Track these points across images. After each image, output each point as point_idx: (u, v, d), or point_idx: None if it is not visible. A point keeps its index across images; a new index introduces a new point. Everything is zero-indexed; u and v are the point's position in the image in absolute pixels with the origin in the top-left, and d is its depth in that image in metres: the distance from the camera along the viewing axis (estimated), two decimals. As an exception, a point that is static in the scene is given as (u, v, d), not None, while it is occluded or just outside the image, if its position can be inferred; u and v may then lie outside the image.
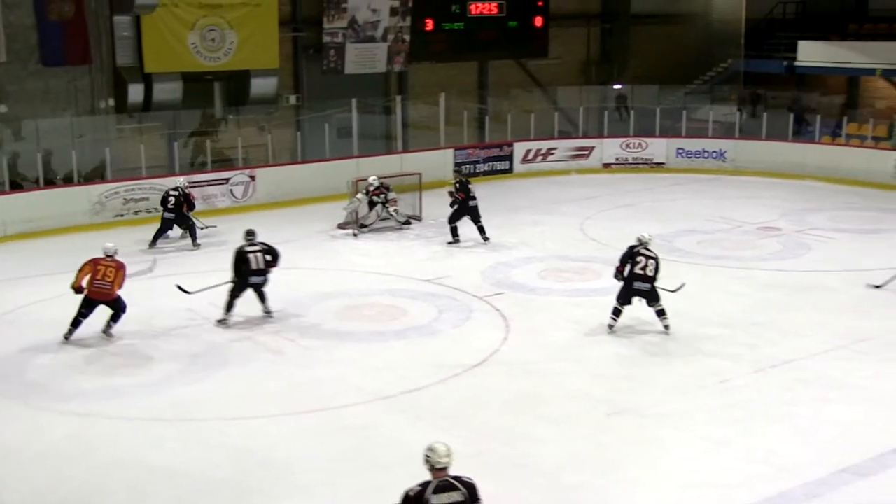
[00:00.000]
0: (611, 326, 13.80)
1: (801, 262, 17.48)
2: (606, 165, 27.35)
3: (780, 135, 26.78)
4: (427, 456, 6.92)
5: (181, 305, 15.00)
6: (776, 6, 31.39)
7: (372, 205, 20.18)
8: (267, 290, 14.46)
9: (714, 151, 27.00)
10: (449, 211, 19.19)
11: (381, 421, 10.82)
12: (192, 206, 19.44)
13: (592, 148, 27.43)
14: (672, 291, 13.91)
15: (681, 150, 27.24)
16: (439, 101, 26.15)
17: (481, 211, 19.21)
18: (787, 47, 28.91)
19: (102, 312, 13.61)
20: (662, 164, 27.28)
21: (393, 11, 26.13)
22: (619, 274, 13.71)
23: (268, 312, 14.50)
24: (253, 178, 22.68)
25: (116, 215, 21.02)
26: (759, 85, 29.38)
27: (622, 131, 27.86)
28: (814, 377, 12.04)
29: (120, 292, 13.59)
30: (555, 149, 27.25)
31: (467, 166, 25.63)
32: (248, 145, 24.28)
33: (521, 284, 16.23)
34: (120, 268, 13.58)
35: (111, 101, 22.97)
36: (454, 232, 19.06)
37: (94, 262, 13.54)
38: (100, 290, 13.41)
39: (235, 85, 24.51)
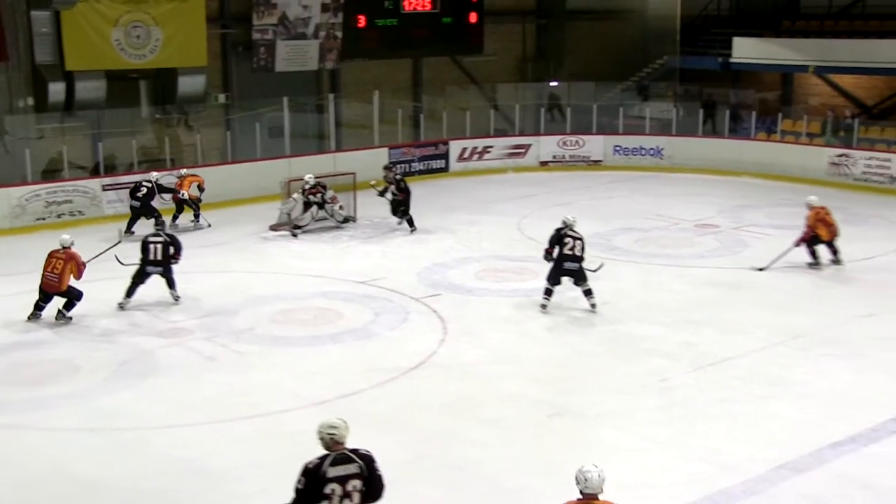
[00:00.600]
0: (543, 306, 14.72)
1: (738, 259, 17.78)
2: (543, 163, 27.56)
3: (717, 132, 27.22)
4: (322, 431, 7.04)
5: (108, 311, 14.83)
6: (710, 3, 31.93)
7: (307, 205, 20.06)
8: (176, 278, 15.24)
9: (651, 149, 27.35)
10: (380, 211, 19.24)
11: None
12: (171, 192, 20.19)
13: (529, 146, 27.62)
14: (593, 271, 14.80)
15: (618, 148, 27.54)
16: (373, 99, 26.12)
17: (417, 207, 19.39)
18: (723, 44, 29.39)
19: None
20: (600, 161, 27.56)
21: (324, 8, 26.05)
22: (548, 255, 14.68)
23: (175, 298, 15.17)
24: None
25: (38, 219, 20.67)
26: (695, 82, 29.82)
27: (559, 129, 28.08)
28: (752, 374, 12.26)
29: (75, 282, 14.23)
30: (491, 147, 27.39)
31: (402, 165, 25.58)
32: (176, 145, 24.03)
33: (458, 285, 16.29)
34: (70, 259, 14.17)
35: (30, 101, 22.57)
36: (411, 222, 20.16)
37: (49, 255, 14.35)
38: (49, 281, 14.15)
39: (162, 83, 24.25)
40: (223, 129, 25.06)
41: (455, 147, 26.96)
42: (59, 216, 20.87)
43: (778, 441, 10.34)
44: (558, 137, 27.60)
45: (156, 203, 20.03)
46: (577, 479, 6.75)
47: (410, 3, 27.72)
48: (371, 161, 24.40)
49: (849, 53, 26.66)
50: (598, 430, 10.73)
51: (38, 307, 14.42)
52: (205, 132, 24.62)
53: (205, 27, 24.11)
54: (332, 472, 6.94)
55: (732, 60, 28.80)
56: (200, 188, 20.85)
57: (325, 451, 6.97)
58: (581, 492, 6.72)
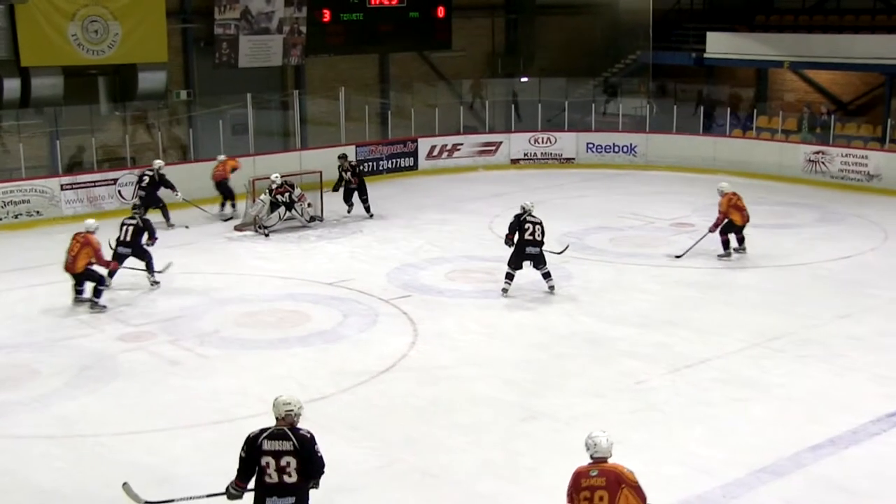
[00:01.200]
0: (505, 290, 15.59)
1: (714, 259, 17.87)
2: (514, 161, 27.62)
3: (691, 129, 27.39)
4: (277, 404, 7.62)
5: (67, 314, 14.74)
6: (684, -4, 32.14)
7: (274, 205, 19.99)
8: (152, 260, 16.11)
9: (625, 146, 27.47)
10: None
11: (286, 432, 10.74)
12: (171, 187, 20.54)
13: (500, 143, 27.68)
14: (558, 253, 15.90)
15: (591, 145, 27.65)
16: (339, 95, 26.09)
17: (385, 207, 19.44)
18: (696, 39, 29.56)
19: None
20: (572, 159, 27.65)
21: (288, 2, 26.00)
22: (509, 241, 15.62)
23: (152, 283, 16.06)
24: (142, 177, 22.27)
25: (-6, 219, 20.49)
26: (668, 77, 29.99)
27: (531, 126, 28.14)
28: (729, 376, 12.34)
29: (96, 267, 14.89)
30: (461, 145, 27.44)
31: (369, 163, 25.65)
32: (137, 143, 23.90)
33: (428, 286, 16.29)
34: (86, 244, 14.70)
35: (-16, 98, 22.39)
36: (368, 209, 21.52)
37: (73, 237, 15.01)
38: (65, 262, 14.82)
39: (121, 79, 24.09)
40: (185, 126, 24.94)
41: (424, 145, 26.98)
42: (16, 216, 20.69)
43: (756, 444, 10.41)
44: (529, 135, 27.67)
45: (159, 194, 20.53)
46: (586, 444, 7.28)
47: (377, -3, 27.72)
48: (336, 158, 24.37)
49: (824, 49, 26.88)
50: (572, 434, 10.68)
51: (77, 291, 15.07)
52: (166, 130, 24.48)
53: (165, 22, 23.96)
54: (267, 445, 7.48)
55: (706, 56, 28.97)
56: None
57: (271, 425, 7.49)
58: (591, 457, 7.24)
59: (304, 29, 26.47)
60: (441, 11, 28.97)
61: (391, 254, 18.39)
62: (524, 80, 30.46)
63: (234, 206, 21.55)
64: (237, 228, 20.26)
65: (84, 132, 23.07)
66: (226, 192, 21.62)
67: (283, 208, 20.03)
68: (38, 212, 20.89)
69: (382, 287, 16.22)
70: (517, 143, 27.67)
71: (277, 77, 27.30)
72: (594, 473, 7.11)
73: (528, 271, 15.66)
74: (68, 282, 16.21)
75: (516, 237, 15.46)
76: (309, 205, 20.47)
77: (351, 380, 12.25)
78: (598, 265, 17.49)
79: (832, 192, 23.95)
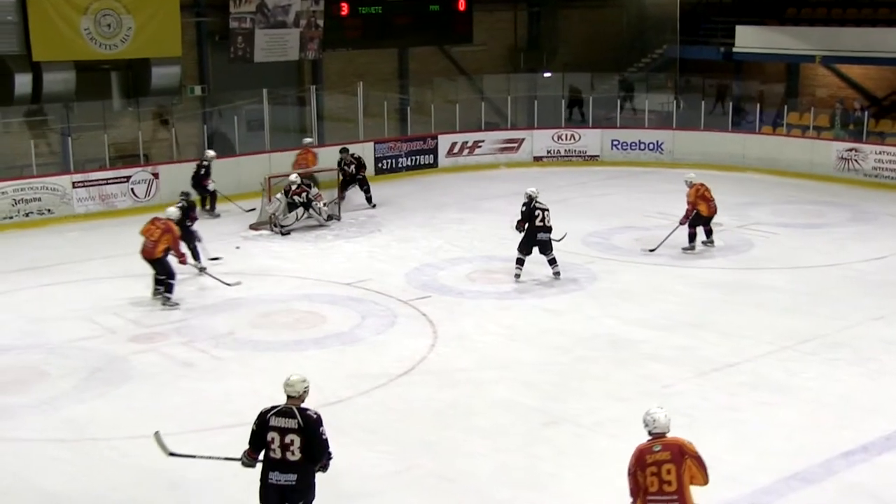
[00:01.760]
0: (517, 276, 16.28)
1: (742, 259, 17.80)
2: (537, 159, 27.56)
3: (720, 125, 27.28)
4: (284, 383, 8.09)
5: (78, 315, 14.79)
6: (711, -11, 32.04)
7: (292, 206, 20.01)
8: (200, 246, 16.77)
9: (651, 143, 27.37)
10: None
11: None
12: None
13: (522, 140, 27.63)
14: (558, 240, 16.34)
15: (616, 142, 27.57)
16: (357, 91, 26.09)
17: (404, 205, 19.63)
18: (724, 33, 29.44)
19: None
20: (597, 156, 27.57)
21: (305, -6, 26.05)
22: (521, 227, 16.32)
23: (199, 270, 16.47)
24: (156, 175, 22.39)
25: (5, 217, 20.57)
26: (696, 72, 29.86)
27: (555, 122, 28.07)
28: (758, 380, 12.27)
29: (170, 259, 15.20)
30: (482, 141, 27.40)
31: (388, 161, 25.67)
32: (150, 140, 23.97)
33: (448, 287, 16.27)
34: (168, 230, 15.04)
35: (-6, 93, 22.52)
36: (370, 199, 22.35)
37: (151, 221, 15.33)
38: (145, 247, 15.03)
39: (135, 75, 24.17)
40: (200, 122, 25.01)
41: (444, 141, 26.95)
42: (27, 214, 20.79)
43: (785, 450, 10.34)
44: (553, 131, 27.61)
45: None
46: (645, 422, 7.69)
47: (396, -10, 27.74)
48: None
49: (857, 42, 26.72)
50: (595, 440, 10.73)
51: (158, 280, 15.31)
52: (180, 126, 24.55)
53: (179, 15, 24.04)
54: (274, 421, 7.95)
55: (735, 50, 28.85)
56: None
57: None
58: (650, 433, 7.66)
59: (321, 22, 26.49)
60: (462, 4, 28.95)
61: (410, 253, 18.38)
62: (547, 75, 30.39)
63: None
64: (252, 227, 20.30)
65: (96, 128, 23.17)
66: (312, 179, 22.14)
67: (301, 209, 20.02)
68: (49, 210, 20.99)
69: (401, 288, 16.21)
70: (540, 139, 27.61)
71: (294, 72, 27.34)
72: (657, 448, 7.49)
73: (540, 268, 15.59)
74: (80, 281, 16.37)
75: (527, 225, 16.20)
76: (324, 204, 20.49)
77: (368, 383, 12.25)
78: (623, 265, 17.43)
79: (865, 190, 23.78)
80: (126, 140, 23.71)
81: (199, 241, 17.08)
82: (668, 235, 18.18)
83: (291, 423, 7.90)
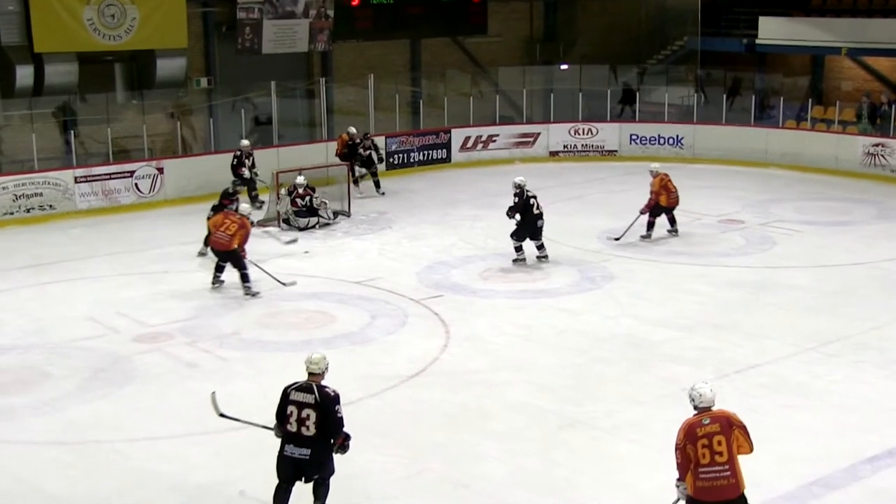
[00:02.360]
0: (523, 260, 17.23)
1: (765, 258, 17.77)
2: (553, 154, 27.55)
3: (742, 119, 27.22)
4: (305, 361, 8.77)
5: (80, 314, 14.84)
6: (735, -22, 31.93)
7: (298, 213, 19.98)
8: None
9: (670, 138, 27.33)
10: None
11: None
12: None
13: (538, 134, 27.61)
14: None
15: (634, 137, 27.53)
16: (367, 83, 26.11)
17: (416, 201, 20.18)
18: (747, 24, 29.36)
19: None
20: (614, 151, 27.55)
21: (315, -16, 26.07)
22: (513, 215, 17.18)
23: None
24: (161, 170, 22.46)
25: (5, 213, 20.64)
26: (717, 65, 29.80)
27: (572, 116, 27.99)
28: (780, 383, 12.25)
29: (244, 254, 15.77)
30: (496, 136, 27.39)
31: (400, 155, 25.68)
32: (155, 134, 24.02)
33: (461, 286, 16.28)
34: (243, 226, 15.70)
35: (-5, 86, 22.60)
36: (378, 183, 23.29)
37: (223, 214, 16.08)
38: (219, 240, 15.64)
39: (139, 66, 24.22)
40: (206, 116, 25.05)
41: (457, 136, 26.96)
42: (28, 210, 20.86)
43: (808, 455, 10.33)
44: (569, 125, 27.58)
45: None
46: (691, 397, 8.17)
47: (408, -21, 27.74)
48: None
49: (884, 34, 26.62)
50: (613, 443, 10.73)
51: (219, 269, 15.97)
52: (185, 120, 24.59)
53: (185, 6, 24.05)
54: (294, 395, 8.59)
55: (758, 42, 28.78)
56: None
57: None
58: (696, 407, 8.12)
59: (331, 13, 26.51)
60: (476, -6, 28.97)
61: (422, 251, 18.40)
62: (564, 67, 30.35)
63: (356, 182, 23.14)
64: (259, 224, 20.29)
65: (99, 122, 23.24)
66: (369, 162, 23.44)
67: (311, 218, 19.94)
68: (51, 205, 21.05)
69: (412, 286, 16.22)
70: (556, 134, 27.58)
71: (303, 64, 27.37)
72: (707, 421, 7.96)
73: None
74: (82, 279, 16.42)
75: (518, 215, 17.13)
76: (325, 204, 20.42)
77: (378, 384, 12.27)
78: (642, 264, 17.42)
79: (892, 187, 23.68)
80: (129, 133, 23.76)
81: None
82: (632, 224, 18.69)
83: (309, 399, 8.51)
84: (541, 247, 17.33)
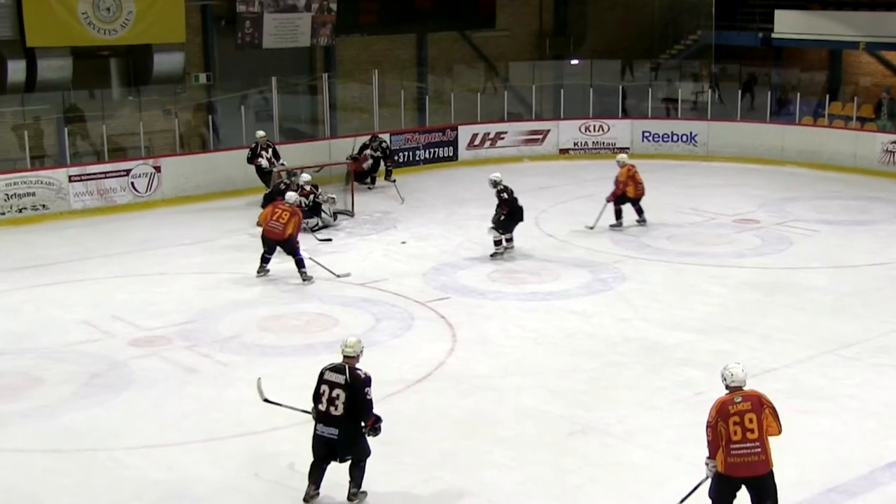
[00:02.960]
0: (502, 254, 17.68)
1: (782, 258, 17.75)
2: (563, 151, 27.54)
3: (758, 116, 27.19)
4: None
5: (75, 317, 14.84)
6: (749, -29, 31.90)
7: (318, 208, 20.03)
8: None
9: (684, 135, 27.30)
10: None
11: (310, 448, 10.76)
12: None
13: (547, 132, 27.60)
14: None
15: (647, 134, 27.52)
16: (372, 79, 26.12)
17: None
18: (763, 17, 29.33)
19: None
20: (626, 149, 27.47)
21: (317, -24, 26.07)
22: (506, 213, 17.75)
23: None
24: (158, 169, 22.47)
25: (-3, 213, 20.72)
26: (732, 59, 29.77)
27: (582, 112, 27.97)
28: (797, 387, 12.22)
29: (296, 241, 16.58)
30: (504, 133, 27.38)
31: (405, 153, 25.68)
32: (152, 131, 24.03)
33: (468, 288, 16.28)
34: (294, 214, 16.51)
35: (-13, 81, 22.60)
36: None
37: (273, 205, 16.95)
38: (272, 229, 16.46)
39: (135, 62, 24.21)
40: (204, 112, 25.07)
41: (464, 133, 26.95)
42: (20, 210, 20.87)
43: (826, 461, 10.32)
44: (580, 122, 27.57)
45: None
46: (723, 376, 8.68)
47: (414, -29, 27.74)
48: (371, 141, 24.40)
49: (904, 27, 26.62)
50: (626, 450, 10.71)
51: (265, 259, 16.72)
52: (183, 117, 24.61)
53: (183, -1, 24.11)
54: (328, 375, 9.25)
55: (774, 36, 28.77)
56: None
57: None
58: (727, 386, 8.61)
59: (334, 6, 26.48)
60: (484, -13, 28.97)
61: (428, 252, 18.39)
62: (574, 62, 30.34)
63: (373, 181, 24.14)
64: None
65: (94, 119, 23.25)
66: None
67: (314, 219, 19.91)
68: (44, 205, 21.05)
69: (418, 288, 16.22)
70: (566, 131, 27.57)
71: (305, 59, 27.38)
72: (738, 400, 8.47)
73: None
74: (77, 281, 16.43)
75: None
76: (332, 199, 20.39)
77: (383, 389, 12.17)
78: (655, 265, 17.41)
79: (912, 185, 23.73)
80: (126, 131, 23.77)
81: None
82: (601, 212, 19.45)
83: (340, 379, 9.13)
84: (511, 239, 17.87)
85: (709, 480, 8.58)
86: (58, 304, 15.53)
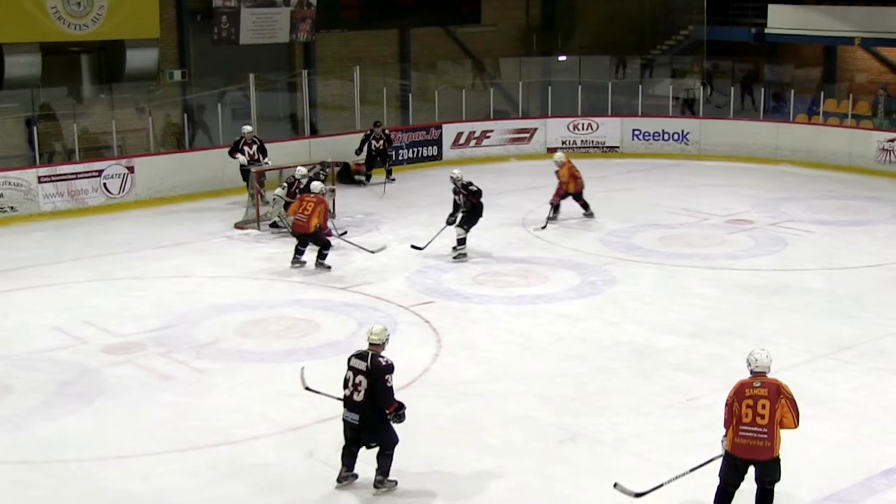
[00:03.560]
0: (464, 254, 17.86)
1: (776, 260, 17.81)
2: (551, 150, 27.46)
3: (751, 113, 27.26)
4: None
5: (45, 323, 14.78)
6: (742, -36, 32.01)
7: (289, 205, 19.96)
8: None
9: (675, 133, 27.37)
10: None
11: (293, 457, 10.76)
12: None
13: (534, 130, 27.65)
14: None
15: (637, 132, 27.57)
16: (353, 76, 26.11)
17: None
18: (756, 12, 29.41)
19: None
20: (616, 147, 27.59)
21: (296, -30, 26.07)
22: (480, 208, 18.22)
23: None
24: (131, 169, 22.40)
25: (-38, 215, 20.63)
26: (725, 55, 29.85)
27: (571, 110, 28.03)
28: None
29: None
30: (490, 131, 27.42)
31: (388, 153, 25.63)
32: (125, 130, 23.98)
33: (454, 291, 16.28)
34: (320, 203, 17.12)
35: (-48, 78, 22.52)
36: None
37: (299, 199, 17.54)
38: (298, 222, 17.07)
39: (107, 58, 24.19)
40: (180, 111, 25.02)
41: (449, 131, 26.98)
42: (-14, 212, 20.81)
43: (822, 468, 10.35)
44: (568, 120, 27.62)
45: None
46: (748, 361, 9.16)
47: (396, -35, 27.75)
48: (352, 147, 24.41)
49: (901, 23, 26.74)
50: (617, 458, 10.72)
51: (299, 251, 17.39)
52: (158, 115, 24.55)
53: (157, -7, 24.07)
54: (353, 362, 9.78)
55: (767, 31, 28.88)
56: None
57: None
58: (751, 371, 9.08)
59: (314, 1, 26.49)
60: (469, -19, 29.02)
61: (412, 255, 18.37)
62: (562, 58, 30.38)
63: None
64: (238, 226, 20.28)
65: (65, 117, 23.17)
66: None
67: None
68: (12, 207, 20.94)
69: (402, 292, 16.22)
70: (554, 129, 27.62)
71: (284, 55, 27.36)
72: (757, 385, 8.96)
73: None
74: (47, 286, 16.36)
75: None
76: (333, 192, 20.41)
77: (365, 396, 12.23)
78: (646, 267, 17.43)
79: (909, 184, 23.83)
80: (98, 130, 23.70)
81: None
82: (549, 214, 20.20)
83: (362, 366, 9.63)
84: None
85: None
86: (27, 310, 15.45)
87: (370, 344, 9.75)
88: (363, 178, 24.38)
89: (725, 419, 9.03)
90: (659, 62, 30.90)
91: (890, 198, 22.39)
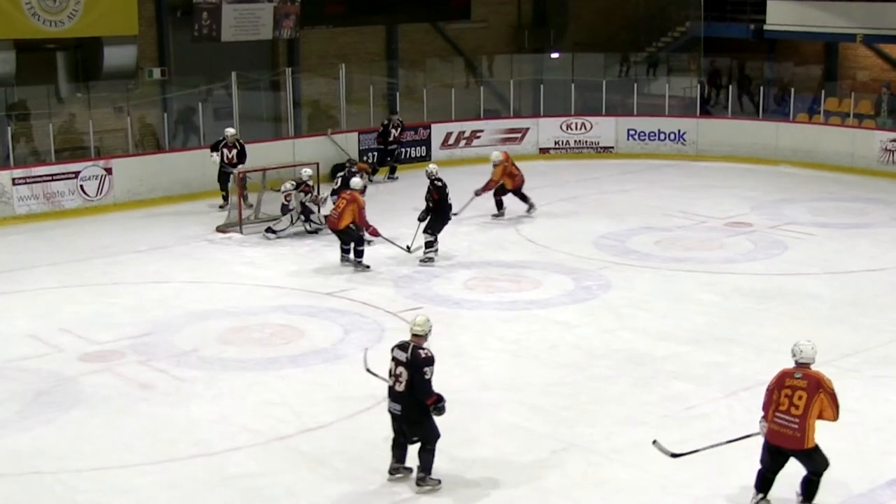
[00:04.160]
0: (432, 259, 17.87)
1: (776, 264, 17.83)
2: (543, 150, 27.59)
3: (748, 112, 27.31)
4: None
5: (19, 330, 14.74)
6: (740, -42, 32.06)
7: (284, 209, 19.87)
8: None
9: (672, 133, 27.40)
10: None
11: (276, 468, 10.74)
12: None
13: (526, 130, 27.66)
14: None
15: (632, 132, 27.60)
16: (339, 74, 26.10)
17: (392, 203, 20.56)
18: (755, 8, 29.45)
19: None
20: (611, 148, 27.61)
21: (280, -35, 26.03)
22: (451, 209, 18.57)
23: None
24: (109, 170, 22.36)
25: (-66, 219, 20.56)
26: (723, 53, 29.89)
27: (564, 109, 28.04)
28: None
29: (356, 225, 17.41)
30: (481, 131, 27.42)
31: (374, 153, 25.62)
32: (102, 130, 23.94)
33: (443, 297, 16.28)
34: (352, 201, 17.28)
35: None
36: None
37: (340, 194, 18.02)
38: (331, 218, 17.59)
39: (84, 55, 24.14)
40: (159, 110, 24.97)
41: (438, 131, 26.98)
42: (-39, 214, 20.75)
43: (826, 479, 10.30)
44: (561, 120, 27.62)
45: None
46: (792, 351, 9.59)
47: (383, -41, 27.74)
48: (337, 148, 24.39)
49: (904, 19, 26.82)
50: (612, 469, 10.72)
51: (344, 250, 17.89)
52: (137, 114, 24.50)
53: (135, -12, 24.04)
54: (394, 353, 10.15)
55: (767, 28, 28.90)
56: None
57: None
58: (796, 362, 9.53)
59: (298, -4, 26.49)
60: (458, -24, 29.03)
61: (400, 258, 18.36)
62: (555, 55, 30.40)
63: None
64: (220, 230, 20.24)
65: (40, 117, 23.10)
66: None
67: (295, 213, 19.84)
68: (-10, 209, 20.96)
69: (389, 298, 16.21)
70: (546, 129, 27.62)
71: (267, 53, 27.34)
72: (798, 376, 9.43)
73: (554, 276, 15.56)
74: (22, 292, 16.33)
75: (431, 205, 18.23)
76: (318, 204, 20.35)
77: (353, 406, 12.23)
78: (641, 272, 17.44)
79: (913, 186, 23.90)
80: (74, 130, 23.66)
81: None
82: (468, 202, 20.34)
83: (402, 356, 10.00)
84: (436, 241, 18.13)
85: (759, 437, 9.68)
86: (0, 317, 15.41)
87: (413, 335, 10.06)
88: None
89: (764, 403, 9.58)
90: (655, 60, 30.90)
91: (893, 200, 22.42)
